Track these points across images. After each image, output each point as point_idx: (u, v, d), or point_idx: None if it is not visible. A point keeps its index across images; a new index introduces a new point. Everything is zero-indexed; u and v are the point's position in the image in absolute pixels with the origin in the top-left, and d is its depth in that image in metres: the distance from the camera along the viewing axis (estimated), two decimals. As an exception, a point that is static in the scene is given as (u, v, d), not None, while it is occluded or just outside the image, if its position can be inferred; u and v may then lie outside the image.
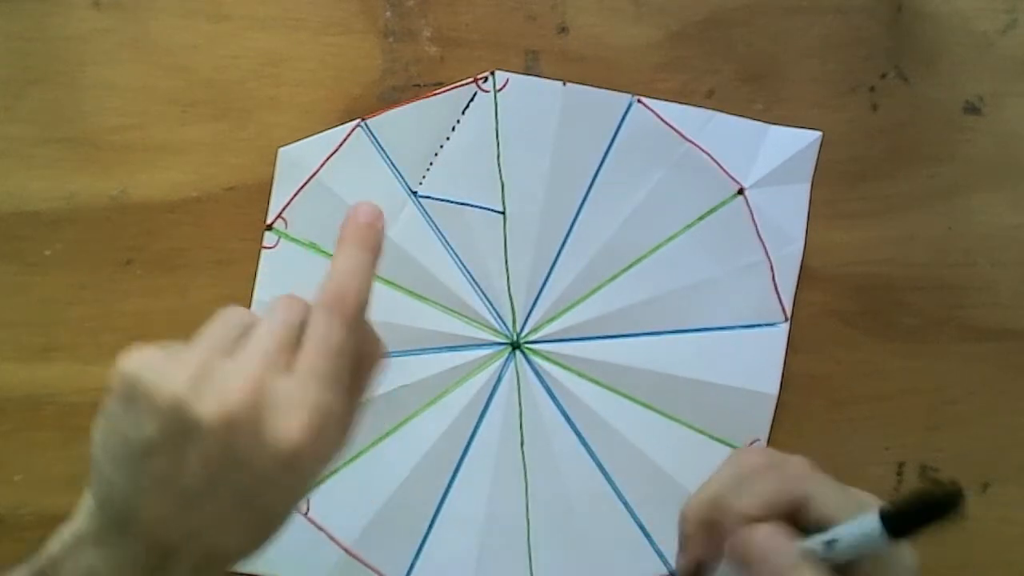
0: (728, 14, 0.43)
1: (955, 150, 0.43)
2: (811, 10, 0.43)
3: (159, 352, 0.31)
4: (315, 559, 0.41)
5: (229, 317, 0.33)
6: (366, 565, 0.41)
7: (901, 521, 0.28)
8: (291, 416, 0.30)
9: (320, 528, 0.41)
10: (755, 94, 0.43)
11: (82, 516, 0.33)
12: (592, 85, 0.42)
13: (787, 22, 0.43)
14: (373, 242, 0.34)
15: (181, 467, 0.30)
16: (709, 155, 0.42)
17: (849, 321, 0.43)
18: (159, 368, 0.31)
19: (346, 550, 0.41)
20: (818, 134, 0.42)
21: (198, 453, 0.30)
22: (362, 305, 0.33)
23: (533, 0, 0.42)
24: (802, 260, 0.43)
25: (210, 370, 0.30)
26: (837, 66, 0.43)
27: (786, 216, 0.42)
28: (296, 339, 0.32)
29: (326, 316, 0.32)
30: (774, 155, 0.42)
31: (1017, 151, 0.43)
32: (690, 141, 0.42)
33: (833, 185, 0.43)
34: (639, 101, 0.42)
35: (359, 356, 0.33)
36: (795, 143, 0.42)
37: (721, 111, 0.42)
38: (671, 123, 0.42)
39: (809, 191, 0.43)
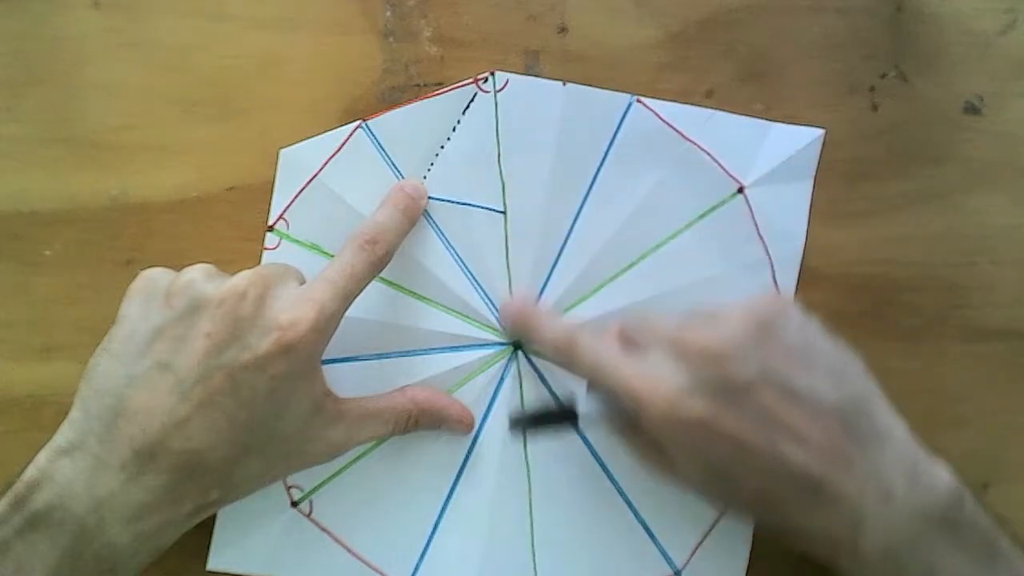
0: (728, 14, 0.43)
1: (955, 150, 0.43)
2: (811, 10, 0.43)
3: (163, 269, 0.36)
4: (320, 561, 0.41)
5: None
6: (371, 567, 0.41)
7: (525, 423, 0.39)
8: (302, 306, 0.34)
9: (324, 530, 0.41)
10: (755, 94, 0.43)
11: (61, 433, 0.33)
12: (592, 85, 0.42)
13: (787, 22, 0.43)
14: (413, 212, 0.40)
15: (179, 350, 0.32)
16: (709, 154, 0.42)
17: (849, 321, 0.43)
18: (164, 273, 0.36)
19: (350, 551, 0.41)
20: (820, 131, 0.42)
21: (195, 329, 0.32)
22: (387, 257, 0.38)
23: (533, 0, 0.42)
24: (803, 259, 0.43)
25: (216, 274, 0.35)
26: (837, 66, 0.43)
27: (787, 214, 0.42)
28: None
29: (356, 248, 0.37)
30: (775, 153, 0.42)
31: (1017, 151, 0.43)
32: (690, 140, 0.42)
33: (833, 185, 0.43)
34: (639, 101, 0.42)
35: None
36: (797, 141, 0.42)
37: (721, 111, 0.42)
38: (671, 122, 0.42)
39: (811, 189, 0.43)
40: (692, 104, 0.42)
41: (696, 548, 0.42)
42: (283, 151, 0.41)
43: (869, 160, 0.43)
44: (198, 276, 0.35)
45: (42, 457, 0.33)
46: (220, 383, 0.32)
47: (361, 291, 0.37)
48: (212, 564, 0.41)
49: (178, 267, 0.41)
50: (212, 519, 0.40)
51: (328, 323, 0.35)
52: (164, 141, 0.42)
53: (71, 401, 0.41)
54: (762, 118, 0.42)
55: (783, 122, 0.43)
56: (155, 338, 0.33)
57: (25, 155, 0.42)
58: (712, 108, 0.42)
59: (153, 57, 0.42)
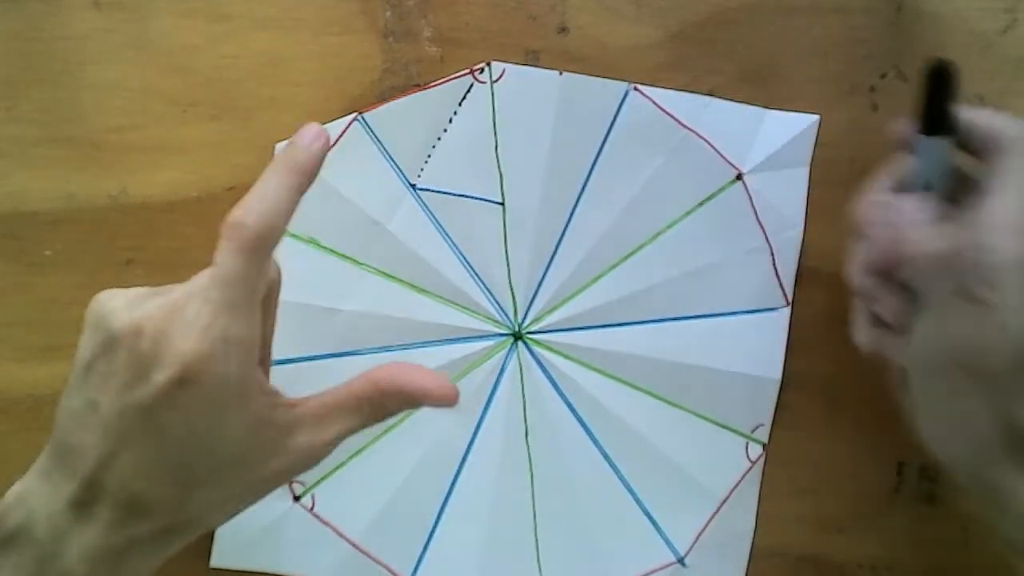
0: (728, 14, 0.43)
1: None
2: (811, 10, 0.43)
3: (112, 292, 0.34)
4: (323, 555, 0.41)
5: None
6: (374, 560, 0.41)
7: (929, 118, 0.35)
8: (187, 334, 0.31)
9: (327, 524, 0.41)
10: (755, 94, 0.43)
11: (40, 456, 0.33)
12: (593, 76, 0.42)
13: (787, 22, 0.43)
14: (304, 165, 0.33)
15: (102, 387, 0.32)
16: (707, 141, 0.42)
17: (849, 321, 0.43)
18: (105, 301, 0.33)
19: (354, 545, 0.41)
20: (816, 117, 0.42)
21: (113, 366, 0.31)
22: (264, 232, 0.32)
23: (533, 0, 0.42)
24: (802, 250, 0.43)
25: (140, 298, 0.33)
26: (837, 66, 0.43)
27: (785, 200, 0.42)
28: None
29: (222, 244, 0.32)
30: (772, 140, 0.42)
31: (1017, 151, 0.43)
32: (687, 128, 0.42)
33: (833, 185, 0.43)
34: (636, 89, 0.42)
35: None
36: (793, 127, 0.42)
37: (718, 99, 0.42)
38: (668, 110, 0.42)
39: (808, 175, 0.43)
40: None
41: (699, 535, 0.42)
42: (279, 145, 0.41)
43: (869, 160, 0.43)
44: (118, 305, 0.33)
45: (23, 480, 0.33)
46: (136, 421, 0.31)
47: (257, 290, 0.32)
48: (215, 561, 0.41)
49: (178, 267, 0.41)
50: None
51: (224, 342, 0.31)
52: (164, 141, 0.42)
53: (71, 401, 0.41)
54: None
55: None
56: (86, 374, 0.32)
57: (25, 155, 0.42)
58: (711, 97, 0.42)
59: (153, 57, 0.42)
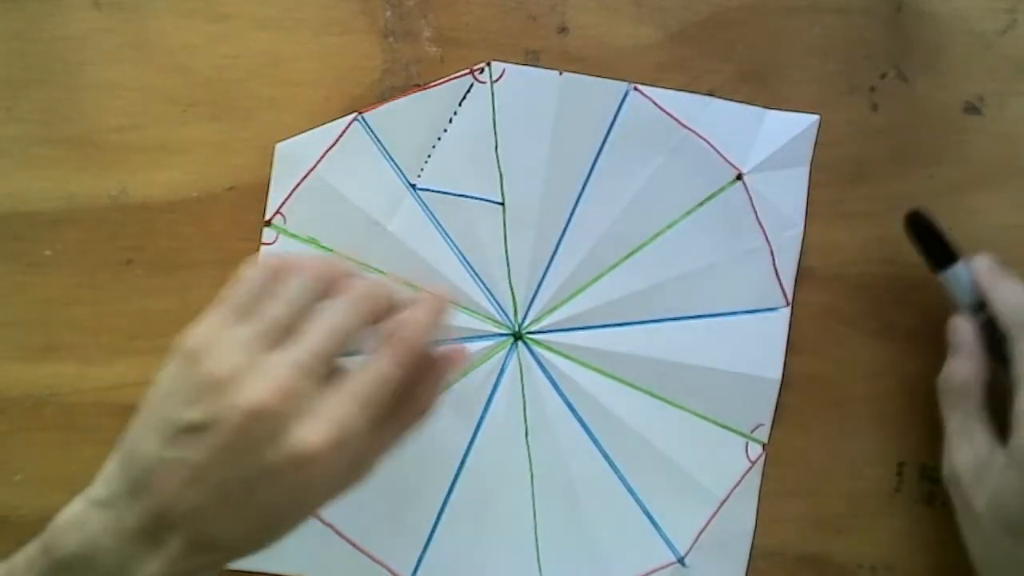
0: (728, 14, 0.43)
1: (955, 150, 0.43)
2: (811, 10, 0.43)
3: (217, 332, 0.34)
4: (323, 554, 0.41)
5: (296, 283, 0.35)
6: (374, 560, 0.41)
7: (931, 257, 0.41)
8: (316, 424, 0.32)
9: (327, 524, 0.41)
10: (755, 94, 0.43)
11: (98, 483, 0.34)
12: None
13: (787, 22, 0.43)
14: (445, 317, 0.37)
15: (203, 448, 0.32)
16: (707, 141, 0.42)
17: (849, 321, 0.43)
18: (213, 352, 0.33)
19: (354, 545, 0.41)
20: (815, 117, 0.42)
21: (220, 437, 0.32)
22: (421, 357, 0.35)
23: (533, 0, 0.42)
24: (802, 250, 0.43)
25: (254, 363, 0.33)
26: (837, 66, 0.43)
27: (785, 200, 0.42)
28: (342, 346, 0.34)
29: (387, 352, 0.34)
30: (772, 139, 0.42)
31: (1017, 151, 0.43)
32: (688, 128, 0.42)
33: (833, 185, 0.43)
34: (636, 89, 0.42)
35: (408, 398, 0.36)
36: (793, 127, 0.42)
37: (718, 98, 0.42)
38: (668, 110, 0.42)
39: (808, 174, 0.43)
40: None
41: (699, 535, 0.42)
42: (279, 145, 0.41)
43: (869, 160, 0.43)
44: (240, 377, 0.33)
45: (77, 504, 0.34)
46: (237, 489, 0.33)
47: (390, 394, 0.34)
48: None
49: (178, 267, 0.41)
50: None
51: (353, 438, 0.33)
52: (164, 141, 0.42)
53: (71, 401, 0.41)
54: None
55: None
56: (184, 431, 0.33)
57: (25, 155, 0.42)
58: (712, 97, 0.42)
59: (153, 57, 0.42)
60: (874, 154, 0.43)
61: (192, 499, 0.33)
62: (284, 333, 0.34)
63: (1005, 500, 0.37)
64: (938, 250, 0.41)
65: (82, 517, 0.34)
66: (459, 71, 0.42)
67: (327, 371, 0.34)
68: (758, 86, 0.43)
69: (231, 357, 0.33)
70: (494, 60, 0.42)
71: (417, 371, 0.36)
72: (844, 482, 0.43)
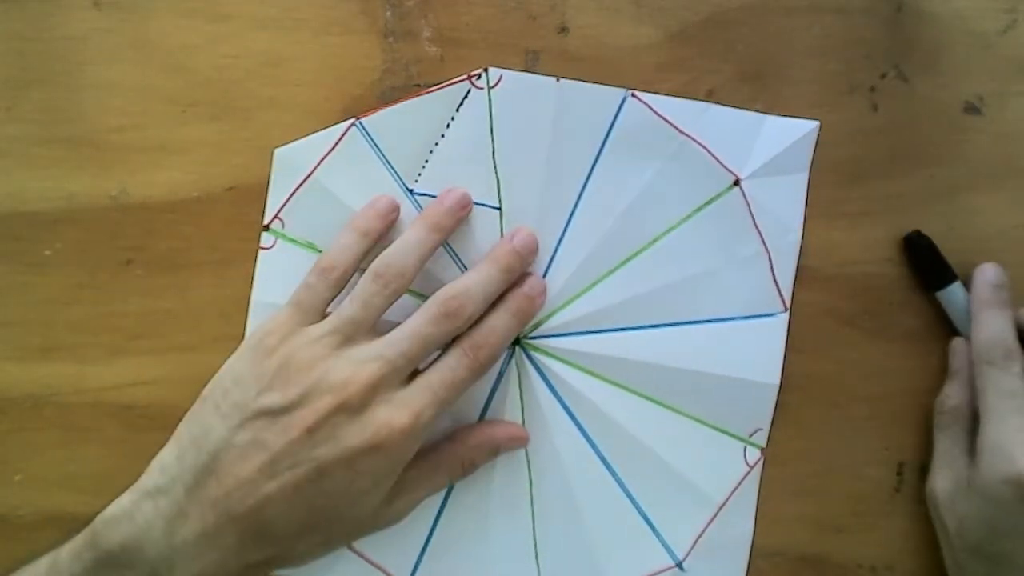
0: (728, 14, 0.43)
1: (955, 150, 0.43)
2: (811, 10, 0.43)
3: (289, 327, 0.36)
4: (321, 559, 0.41)
5: (370, 286, 0.37)
6: (372, 564, 0.41)
7: (927, 276, 0.43)
8: (396, 411, 0.34)
9: None
10: (755, 94, 0.43)
11: (151, 473, 0.35)
12: (591, 83, 0.42)
13: (787, 22, 0.43)
14: (526, 315, 0.40)
15: (280, 432, 0.34)
16: (704, 147, 0.42)
17: (849, 321, 0.43)
18: (288, 344, 0.36)
19: (351, 548, 0.41)
20: (815, 124, 0.42)
21: (302, 421, 0.34)
22: (492, 361, 0.38)
23: (533, 0, 0.42)
24: (800, 254, 0.43)
25: (338, 355, 0.35)
26: (837, 66, 0.43)
27: (783, 206, 0.42)
28: (425, 353, 0.37)
29: (466, 357, 0.37)
30: (770, 145, 0.42)
31: (1017, 151, 0.43)
32: (685, 134, 0.42)
33: (833, 185, 0.43)
34: (633, 95, 0.42)
35: (458, 458, 0.39)
36: (792, 133, 0.42)
37: (717, 104, 0.42)
38: (666, 116, 0.42)
39: (807, 180, 0.43)
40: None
41: (697, 540, 0.42)
42: (277, 151, 0.41)
43: (869, 160, 0.43)
44: (324, 366, 0.35)
45: (126, 497, 0.34)
46: (308, 472, 0.34)
47: (460, 396, 0.37)
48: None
49: (178, 267, 0.41)
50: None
51: (422, 430, 0.35)
52: (164, 141, 0.42)
53: (71, 401, 0.41)
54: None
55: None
56: (260, 416, 0.34)
57: (25, 155, 0.42)
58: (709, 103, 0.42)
59: (153, 57, 0.42)
60: (874, 154, 0.43)
61: (260, 485, 0.33)
62: (357, 332, 0.36)
63: (970, 526, 0.39)
64: (936, 271, 0.42)
65: (131, 508, 0.34)
66: (459, 72, 0.42)
67: (408, 372, 0.36)
68: (758, 86, 0.43)
69: (310, 349, 0.35)
70: (494, 61, 0.42)
71: (478, 440, 0.40)
72: (844, 482, 0.43)
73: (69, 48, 0.42)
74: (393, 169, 0.42)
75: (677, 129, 0.42)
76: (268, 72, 0.42)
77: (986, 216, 0.43)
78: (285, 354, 0.35)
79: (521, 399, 0.42)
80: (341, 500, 0.34)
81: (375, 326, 0.37)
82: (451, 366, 0.37)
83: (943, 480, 0.41)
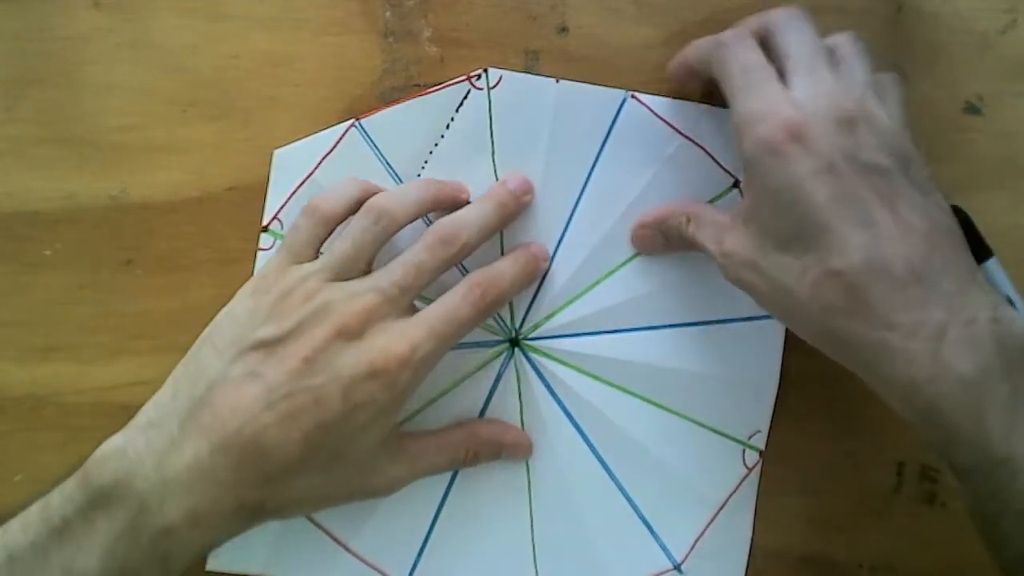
0: (728, 14, 0.43)
1: (955, 150, 0.43)
2: (811, 10, 0.43)
3: (283, 268, 0.37)
4: (318, 560, 0.41)
5: (360, 223, 0.37)
6: (370, 565, 0.41)
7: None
8: (392, 340, 0.34)
9: (322, 529, 0.41)
10: (755, 94, 0.42)
11: (144, 411, 0.35)
12: (591, 84, 0.42)
13: (787, 22, 0.43)
14: (539, 270, 0.41)
15: (276, 363, 0.34)
16: (704, 149, 0.42)
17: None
18: (283, 282, 0.36)
19: (349, 550, 0.41)
20: None
21: (297, 351, 0.34)
22: (497, 305, 0.38)
23: (533, 0, 0.42)
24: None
25: (332, 288, 0.35)
26: (837, 66, 0.43)
27: None
28: (421, 284, 0.36)
29: (467, 293, 0.37)
30: None
31: (1017, 151, 0.43)
32: (685, 136, 0.42)
33: (833, 185, 0.43)
34: (633, 96, 0.42)
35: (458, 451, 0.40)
36: None
37: (716, 106, 0.42)
38: (665, 118, 0.42)
39: None
40: (691, 103, 0.42)
41: (696, 542, 0.42)
42: (276, 152, 0.41)
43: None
44: (319, 293, 0.35)
45: (118, 435, 0.34)
46: (304, 402, 0.33)
47: (464, 336, 0.37)
48: (211, 564, 0.41)
49: (178, 267, 0.41)
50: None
51: (420, 363, 0.35)
52: (164, 141, 0.42)
53: (71, 401, 0.41)
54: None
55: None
56: (257, 348, 0.34)
57: (25, 155, 0.42)
58: (710, 107, 0.42)
59: (153, 57, 0.42)
60: (874, 154, 0.43)
61: (256, 415, 0.33)
62: (350, 268, 0.36)
63: (762, 227, 0.34)
64: (972, 246, 0.40)
65: (124, 444, 0.34)
66: (459, 72, 0.42)
67: (407, 304, 0.36)
68: (758, 86, 0.43)
69: (304, 284, 0.35)
70: (494, 61, 0.42)
71: (487, 435, 0.40)
72: (844, 482, 0.43)
73: (69, 48, 0.42)
74: (392, 169, 0.42)
75: (676, 131, 0.42)
76: (268, 72, 0.42)
77: (986, 216, 0.43)
78: (279, 291, 0.36)
79: (520, 400, 0.42)
80: (339, 435, 0.34)
81: (370, 263, 0.37)
82: (453, 302, 0.36)
83: (728, 241, 0.36)
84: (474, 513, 0.42)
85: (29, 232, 0.41)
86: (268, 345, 0.34)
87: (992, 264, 0.41)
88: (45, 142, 0.42)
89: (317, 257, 0.38)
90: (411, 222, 0.38)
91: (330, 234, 0.38)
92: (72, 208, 0.42)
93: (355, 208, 0.38)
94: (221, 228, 0.42)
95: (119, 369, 0.41)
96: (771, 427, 0.42)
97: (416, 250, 0.37)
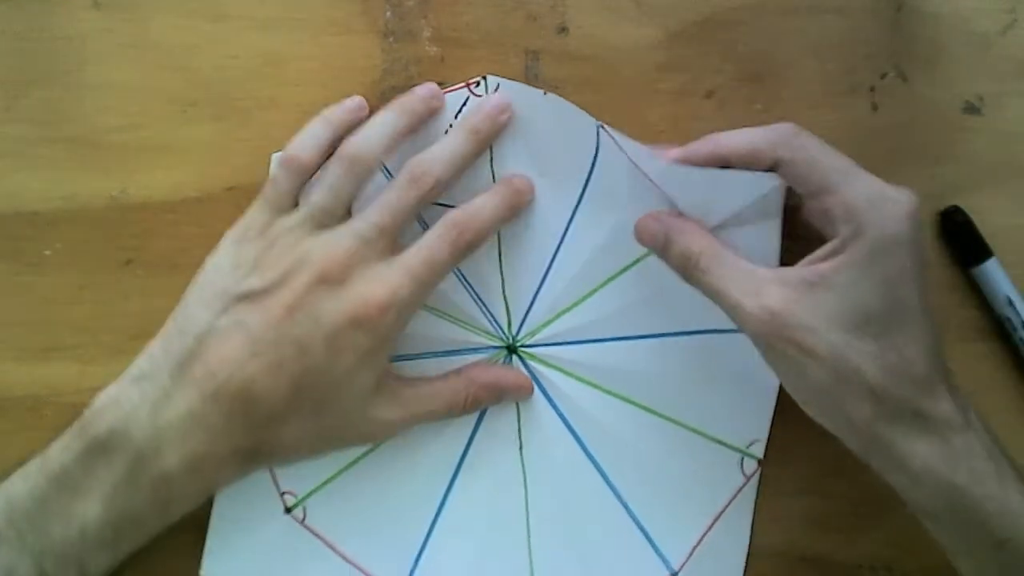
0: (728, 14, 0.43)
1: (955, 150, 0.43)
2: (811, 10, 0.43)
3: (262, 219, 0.37)
4: (313, 567, 0.41)
5: (334, 170, 0.38)
6: (365, 573, 0.41)
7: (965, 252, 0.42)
8: (375, 286, 0.35)
9: (317, 536, 0.41)
10: (755, 94, 0.43)
11: (138, 362, 0.36)
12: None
13: (787, 22, 0.43)
14: (521, 204, 0.40)
15: (261, 312, 0.35)
16: (670, 200, 0.39)
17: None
18: (265, 234, 0.37)
19: (344, 558, 0.41)
20: (776, 182, 0.37)
21: (281, 301, 0.35)
22: (477, 242, 0.38)
23: (533, 0, 0.42)
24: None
25: (313, 237, 0.36)
26: (837, 66, 0.43)
27: (756, 252, 0.38)
28: (400, 223, 0.37)
29: (444, 233, 0.37)
30: (731, 202, 0.38)
31: (1017, 151, 0.43)
32: (653, 182, 0.40)
33: (833, 185, 0.43)
34: (602, 128, 0.40)
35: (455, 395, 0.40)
36: (754, 190, 0.37)
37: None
38: (635, 161, 0.40)
39: (780, 227, 0.38)
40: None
41: (693, 550, 0.42)
42: (275, 156, 0.41)
43: (869, 160, 0.43)
44: (299, 243, 0.36)
45: (112, 386, 0.35)
46: (291, 350, 0.34)
47: (444, 276, 0.37)
48: (206, 571, 0.40)
49: (178, 267, 0.41)
50: (205, 524, 0.40)
51: (401, 306, 0.36)
52: (164, 141, 0.42)
53: (71, 401, 0.41)
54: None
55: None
56: (242, 300, 0.35)
57: (25, 155, 0.42)
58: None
59: (153, 57, 0.42)
60: (874, 154, 0.43)
61: (244, 364, 0.34)
62: (329, 217, 0.37)
63: (850, 306, 0.34)
64: (972, 246, 0.42)
65: (118, 394, 0.35)
66: (459, 71, 0.42)
67: (386, 245, 0.37)
68: (758, 86, 0.43)
69: (285, 236, 0.36)
70: (494, 60, 0.42)
71: (485, 379, 0.40)
72: (844, 482, 0.43)
73: (69, 48, 0.42)
74: (390, 175, 0.41)
75: (647, 177, 0.40)
76: (268, 72, 0.42)
77: (986, 216, 0.43)
78: (262, 243, 0.36)
79: (517, 407, 0.42)
80: (326, 380, 0.35)
81: (348, 210, 0.38)
82: (431, 244, 0.37)
83: (773, 298, 0.34)
84: (470, 521, 0.42)
85: (29, 232, 0.41)
86: (253, 296, 0.35)
87: (992, 264, 0.41)
88: (45, 142, 0.42)
89: (296, 205, 0.38)
90: (388, 158, 0.39)
91: (308, 180, 0.39)
92: (72, 208, 0.42)
93: (329, 151, 0.39)
94: (221, 228, 0.41)
95: (119, 369, 0.41)
96: (771, 428, 0.42)
97: (390, 191, 0.37)
